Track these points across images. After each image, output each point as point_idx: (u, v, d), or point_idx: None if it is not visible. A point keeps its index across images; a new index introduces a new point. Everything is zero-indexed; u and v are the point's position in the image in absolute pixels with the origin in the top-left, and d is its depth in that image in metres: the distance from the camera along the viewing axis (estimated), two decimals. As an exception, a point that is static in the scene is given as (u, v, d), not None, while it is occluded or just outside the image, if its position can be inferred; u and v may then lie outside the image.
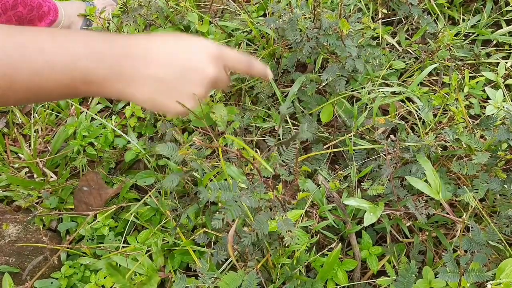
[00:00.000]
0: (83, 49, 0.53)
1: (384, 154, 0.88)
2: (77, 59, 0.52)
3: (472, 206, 0.78)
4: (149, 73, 0.57)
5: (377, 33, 1.10)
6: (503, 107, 0.97)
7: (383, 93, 1.01)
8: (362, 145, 0.93)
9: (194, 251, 0.85)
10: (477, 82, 1.06)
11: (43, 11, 1.19)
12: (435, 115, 1.00)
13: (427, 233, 0.84)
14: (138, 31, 1.24)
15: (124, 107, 1.18)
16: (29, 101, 0.55)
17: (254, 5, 1.22)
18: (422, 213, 0.78)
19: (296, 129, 1.00)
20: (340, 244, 0.77)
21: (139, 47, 0.58)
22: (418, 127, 0.97)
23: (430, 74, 1.09)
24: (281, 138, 0.99)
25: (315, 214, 0.86)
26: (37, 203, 1.04)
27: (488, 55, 1.13)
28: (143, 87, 0.58)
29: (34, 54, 0.50)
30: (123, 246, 0.94)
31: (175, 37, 0.63)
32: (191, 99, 0.62)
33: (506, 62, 1.09)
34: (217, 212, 0.69)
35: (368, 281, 0.85)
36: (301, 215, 0.80)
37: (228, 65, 0.67)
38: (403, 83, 1.06)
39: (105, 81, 0.55)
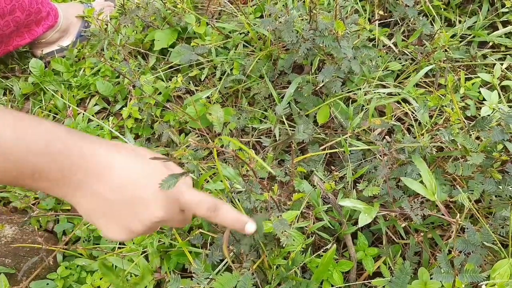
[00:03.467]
0: (40, 146, 0.50)
1: (380, 155, 0.88)
2: (32, 155, 0.49)
3: (467, 207, 0.78)
4: (97, 191, 0.54)
5: (373, 35, 1.11)
6: (499, 108, 0.97)
7: (379, 94, 1.01)
8: (358, 146, 0.94)
9: (190, 252, 0.85)
10: (473, 84, 1.06)
11: (42, 16, 1.19)
12: (431, 116, 1.00)
13: (422, 234, 0.84)
14: (136, 32, 1.25)
15: (121, 108, 1.18)
16: None
17: (251, 6, 1.23)
18: (418, 214, 0.78)
19: (292, 130, 1.01)
20: (335, 245, 0.77)
21: (98, 160, 0.53)
22: (414, 128, 0.97)
23: (426, 75, 1.09)
24: (277, 139, 0.99)
25: (311, 215, 0.86)
26: (33, 204, 1.04)
27: (484, 56, 1.14)
28: (87, 201, 0.54)
29: None
30: (119, 247, 0.94)
31: (142, 160, 0.57)
32: (127, 232, 0.57)
33: (502, 64, 1.09)
34: None
35: (364, 282, 0.85)
36: (296, 216, 0.80)
37: (187, 209, 0.60)
38: (399, 85, 1.06)
39: (52, 183, 0.52)
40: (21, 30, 1.18)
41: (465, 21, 1.17)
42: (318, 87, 1.03)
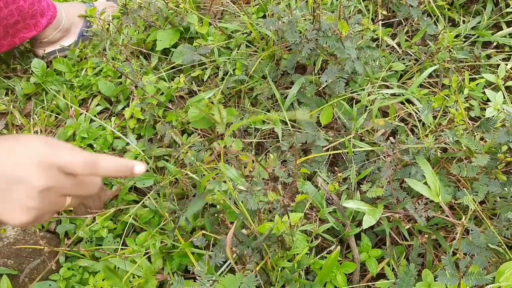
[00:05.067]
0: None
1: (383, 156, 0.88)
2: None
3: (471, 208, 0.78)
4: None
5: (377, 35, 1.10)
6: (503, 109, 0.97)
7: (383, 95, 1.00)
8: (361, 147, 0.93)
9: (192, 253, 0.85)
10: (477, 84, 1.06)
11: (43, 5, 1.18)
12: (435, 117, 0.99)
13: (426, 235, 0.84)
14: (138, 32, 1.24)
15: (123, 108, 1.18)
16: None
17: (253, 6, 1.22)
18: (422, 216, 0.78)
19: (295, 131, 1.00)
20: (339, 247, 0.76)
21: None
22: (418, 129, 0.97)
23: (430, 76, 1.09)
24: (280, 140, 0.98)
25: (314, 217, 0.86)
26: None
27: (489, 57, 1.13)
28: None
29: None
30: (121, 248, 0.93)
31: (6, 141, 0.59)
32: (25, 211, 0.58)
33: (506, 64, 1.08)
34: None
35: (367, 284, 0.85)
36: (300, 218, 0.80)
37: (67, 171, 0.60)
38: (403, 85, 1.06)
39: None
40: (27, 22, 1.17)
41: (469, 21, 1.16)
42: (321, 88, 1.03)
